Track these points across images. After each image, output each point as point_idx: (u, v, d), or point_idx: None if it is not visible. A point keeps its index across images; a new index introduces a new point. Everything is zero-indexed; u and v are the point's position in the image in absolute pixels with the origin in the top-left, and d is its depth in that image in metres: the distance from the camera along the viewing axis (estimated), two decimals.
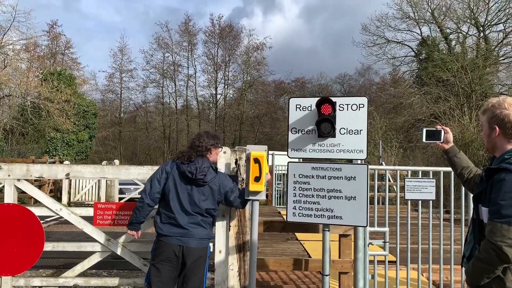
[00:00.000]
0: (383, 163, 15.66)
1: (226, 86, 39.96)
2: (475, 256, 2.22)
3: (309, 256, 6.93)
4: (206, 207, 3.56)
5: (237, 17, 73.67)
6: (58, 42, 35.37)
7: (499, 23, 26.93)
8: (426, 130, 2.98)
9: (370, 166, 4.00)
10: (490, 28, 27.53)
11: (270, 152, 16.70)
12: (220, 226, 4.09)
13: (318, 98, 3.62)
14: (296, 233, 8.35)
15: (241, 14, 66.13)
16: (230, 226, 4.10)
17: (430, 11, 28.72)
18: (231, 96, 40.92)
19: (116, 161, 19.28)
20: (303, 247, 7.70)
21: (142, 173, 3.98)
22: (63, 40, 35.64)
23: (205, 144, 3.67)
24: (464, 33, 28.38)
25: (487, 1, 26.58)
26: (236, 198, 3.68)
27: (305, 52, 58.19)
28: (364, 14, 62.88)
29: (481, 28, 27.47)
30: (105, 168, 4.09)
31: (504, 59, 26.88)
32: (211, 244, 3.79)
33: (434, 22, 28.97)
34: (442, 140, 2.92)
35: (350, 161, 3.73)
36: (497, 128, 2.31)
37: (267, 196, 15.84)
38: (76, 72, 33.59)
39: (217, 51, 39.45)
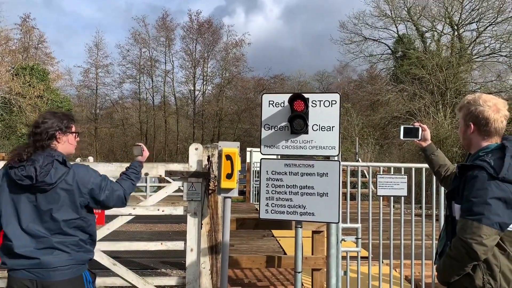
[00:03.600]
0: (359, 159, 15.81)
1: (204, 82, 39.72)
2: (446, 253, 2.23)
3: (285, 253, 6.92)
4: (63, 218, 2.45)
5: (219, 16, 73.86)
6: (31, 36, 34.36)
7: (473, 22, 27.57)
8: (404, 128, 2.95)
9: (342, 163, 3.99)
10: (464, 27, 28.16)
11: (248, 149, 16.66)
12: (191, 224, 4.03)
13: (291, 94, 3.58)
14: (272, 230, 8.33)
15: (223, 12, 66.28)
16: (202, 224, 4.05)
17: (406, 10, 29.15)
18: (210, 92, 40.73)
19: (91, 158, 18.91)
20: (279, 243, 7.69)
21: (110, 170, 3.86)
22: (37, 34, 34.68)
23: (45, 129, 2.51)
24: (439, 31, 28.96)
25: (461, 1, 27.13)
26: (110, 196, 2.61)
27: (286, 52, 58.57)
28: (343, 15, 63.60)
29: (455, 27, 28.05)
30: None
31: (477, 58, 27.53)
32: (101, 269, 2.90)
33: (410, 20, 29.42)
34: (419, 138, 2.91)
35: (327, 158, 3.71)
36: (472, 125, 2.30)
37: (244, 193, 15.81)
38: (50, 67, 32.75)
39: (195, 47, 39.17)
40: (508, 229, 2.09)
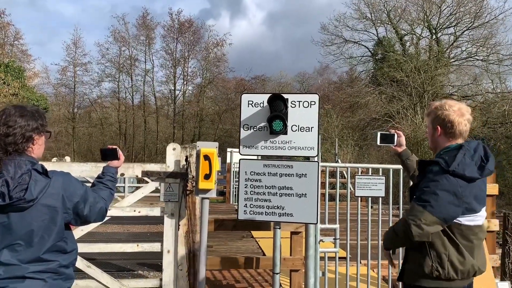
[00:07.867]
0: (339, 160, 15.94)
1: (185, 82, 39.44)
2: (393, 225, 2.48)
3: (264, 254, 6.90)
4: (46, 244, 2.02)
5: (203, 19, 75.25)
6: (6, 33, 33.49)
7: (450, 27, 28.17)
8: (380, 134, 3.08)
9: (321, 164, 3.99)
10: (442, 31, 28.73)
11: (229, 149, 16.61)
12: (168, 225, 3.96)
13: (270, 95, 3.57)
14: (251, 231, 8.31)
15: (207, 15, 66.73)
16: (179, 225, 3.98)
17: (386, 13, 29.54)
18: (190, 92, 40.48)
19: (67, 158, 18.54)
20: (258, 244, 7.68)
21: (85, 170, 3.78)
22: (12, 30, 33.82)
23: (19, 129, 2.06)
24: (418, 35, 29.43)
25: (439, 5, 27.66)
26: (93, 210, 2.20)
27: (268, 55, 59.25)
28: (324, 18, 64.62)
29: (434, 31, 28.59)
30: (44, 165, 3.85)
31: (454, 61, 28.12)
32: None
33: (389, 23, 29.83)
34: (395, 144, 3.04)
35: (306, 158, 3.71)
36: (439, 128, 2.48)
37: (224, 193, 15.76)
38: (26, 64, 32.08)
39: (176, 46, 38.86)
40: (457, 221, 2.27)
